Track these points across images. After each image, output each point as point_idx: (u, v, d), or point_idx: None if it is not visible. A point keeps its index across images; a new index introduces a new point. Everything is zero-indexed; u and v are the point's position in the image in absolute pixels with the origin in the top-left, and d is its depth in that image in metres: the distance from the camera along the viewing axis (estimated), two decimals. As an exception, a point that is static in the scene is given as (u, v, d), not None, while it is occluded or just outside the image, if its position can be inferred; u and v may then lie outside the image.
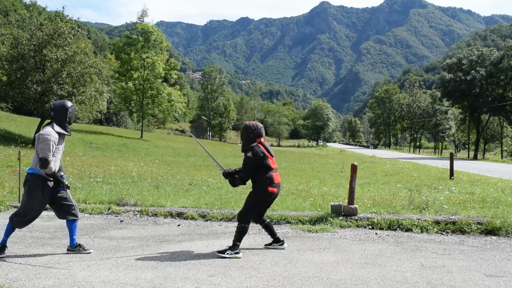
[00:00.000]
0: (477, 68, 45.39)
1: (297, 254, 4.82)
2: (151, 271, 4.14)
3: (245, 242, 5.38)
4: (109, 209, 7.27)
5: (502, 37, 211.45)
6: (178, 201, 8.01)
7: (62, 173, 4.77)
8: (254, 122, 5.00)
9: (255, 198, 4.83)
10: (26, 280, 3.80)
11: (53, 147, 4.45)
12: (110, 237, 5.56)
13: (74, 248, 4.76)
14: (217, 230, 6.12)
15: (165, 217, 6.95)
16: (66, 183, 4.68)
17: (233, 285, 3.79)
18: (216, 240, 5.44)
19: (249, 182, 4.94)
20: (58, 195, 4.64)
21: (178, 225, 6.41)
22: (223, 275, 4.05)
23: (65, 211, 4.69)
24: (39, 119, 24.57)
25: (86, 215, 7.05)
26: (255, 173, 4.77)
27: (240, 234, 4.76)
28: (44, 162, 4.39)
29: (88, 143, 26.29)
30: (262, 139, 4.88)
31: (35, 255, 4.60)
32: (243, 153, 4.83)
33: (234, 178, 4.95)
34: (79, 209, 7.24)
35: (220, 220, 6.73)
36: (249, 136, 4.83)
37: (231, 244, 4.77)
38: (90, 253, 4.74)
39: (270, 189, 4.75)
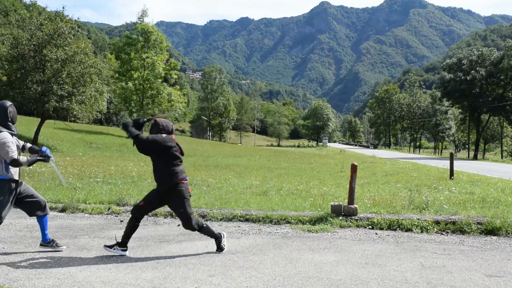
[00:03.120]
0: (477, 68, 45.43)
1: (297, 254, 4.81)
2: (151, 271, 4.14)
3: (245, 242, 5.38)
4: (109, 209, 7.27)
5: (502, 37, 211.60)
6: (178, 201, 7.99)
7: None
8: (164, 119, 4.80)
9: (186, 195, 4.67)
10: (26, 280, 3.80)
11: (13, 145, 4.42)
12: (110, 237, 5.55)
13: (47, 243, 4.79)
14: (217, 230, 6.11)
15: (165, 217, 6.95)
16: (48, 153, 4.62)
17: (233, 285, 3.79)
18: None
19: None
20: (22, 195, 4.63)
21: (178, 225, 6.40)
22: (223, 275, 4.05)
23: (33, 207, 4.69)
24: (39, 119, 24.56)
25: (86, 215, 7.05)
26: (162, 157, 4.53)
27: (211, 230, 4.80)
28: (14, 162, 4.39)
29: (88, 143, 26.31)
30: (173, 137, 4.73)
31: (35, 255, 4.60)
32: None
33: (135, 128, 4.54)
34: (79, 209, 7.25)
35: (220, 220, 6.73)
36: (161, 132, 4.63)
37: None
38: (62, 250, 4.77)
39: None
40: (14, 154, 4.41)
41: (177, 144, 4.69)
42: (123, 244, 4.69)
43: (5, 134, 4.45)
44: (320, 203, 7.85)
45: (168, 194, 4.60)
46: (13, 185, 4.52)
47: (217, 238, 4.84)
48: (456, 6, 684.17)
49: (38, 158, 4.62)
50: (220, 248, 4.84)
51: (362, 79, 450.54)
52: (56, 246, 4.80)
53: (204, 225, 4.78)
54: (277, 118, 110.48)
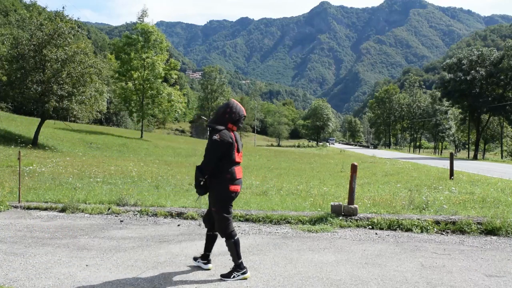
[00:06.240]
0: (477, 68, 45.42)
1: (297, 254, 4.82)
2: (151, 271, 4.14)
3: (245, 242, 5.37)
4: (109, 209, 7.26)
5: (502, 37, 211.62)
6: (178, 201, 8.01)
7: None
8: (240, 105, 4.11)
9: (219, 201, 3.96)
10: (26, 280, 3.80)
11: None
12: (110, 237, 5.55)
13: None
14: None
15: (165, 217, 6.95)
16: None
17: (233, 285, 3.79)
18: (216, 240, 5.43)
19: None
20: None
21: (178, 225, 6.41)
22: (223, 275, 4.04)
23: None
24: (39, 119, 24.56)
25: (86, 215, 7.05)
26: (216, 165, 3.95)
27: (235, 249, 4.00)
28: None
29: (88, 143, 26.31)
30: (234, 128, 4.05)
31: (35, 255, 4.60)
32: (209, 130, 4.06)
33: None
34: (79, 209, 7.25)
35: (220, 220, 6.73)
36: (224, 116, 4.00)
37: (234, 265, 4.03)
38: None
39: (232, 187, 3.95)
40: None
41: (235, 138, 4.03)
42: (204, 257, 4.35)
43: None
44: (320, 203, 7.85)
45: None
46: None
47: (237, 266, 3.98)
48: (456, 6, 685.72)
49: None
50: (228, 275, 3.97)
51: (362, 79, 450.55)
52: None
53: (235, 238, 4.00)
54: (277, 118, 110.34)
